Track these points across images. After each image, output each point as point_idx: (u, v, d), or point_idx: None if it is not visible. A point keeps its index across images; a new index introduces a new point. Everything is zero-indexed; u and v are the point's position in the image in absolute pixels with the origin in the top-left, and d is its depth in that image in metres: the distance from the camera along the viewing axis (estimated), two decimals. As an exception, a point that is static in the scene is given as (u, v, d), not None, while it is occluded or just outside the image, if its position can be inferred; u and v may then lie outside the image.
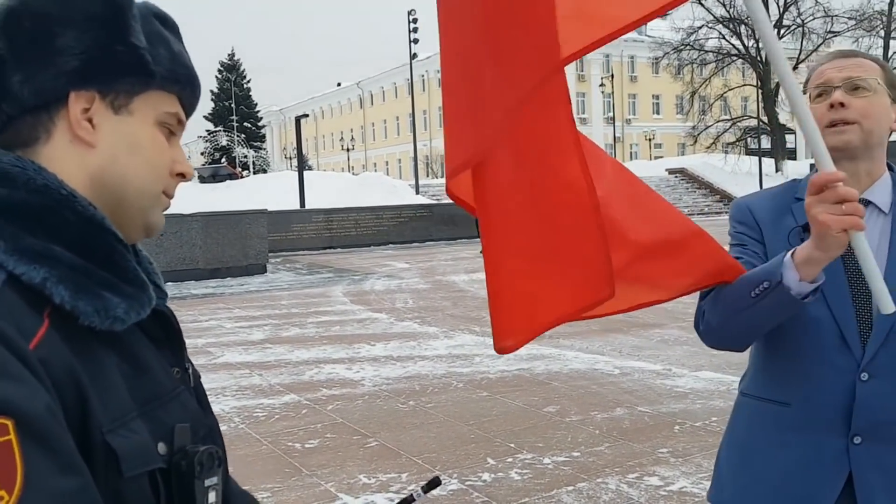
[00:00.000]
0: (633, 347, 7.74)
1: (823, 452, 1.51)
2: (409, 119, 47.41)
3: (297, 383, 6.79)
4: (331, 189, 28.89)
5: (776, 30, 42.43)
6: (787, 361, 1.57)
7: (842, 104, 1.53)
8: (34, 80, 0.83)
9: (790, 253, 1.39)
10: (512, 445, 4.87)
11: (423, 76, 70.14)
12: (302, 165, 26.17)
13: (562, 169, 1.41)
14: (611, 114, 58.81)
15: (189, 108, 0.95)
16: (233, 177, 38.26)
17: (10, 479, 0.65)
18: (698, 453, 4.59)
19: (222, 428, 0.99)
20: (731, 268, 1.56)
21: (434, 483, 1.22)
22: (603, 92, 58.39)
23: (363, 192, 28.87)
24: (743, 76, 50.40)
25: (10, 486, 0.65)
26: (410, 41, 35.97)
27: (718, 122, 44.32)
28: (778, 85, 43.33)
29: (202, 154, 60.01)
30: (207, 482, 0.85)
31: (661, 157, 59.34)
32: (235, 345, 8.69)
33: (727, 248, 1.63)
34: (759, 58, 43.01)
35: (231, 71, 70.04)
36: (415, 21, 35.70)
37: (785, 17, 42.25)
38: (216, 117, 67.79)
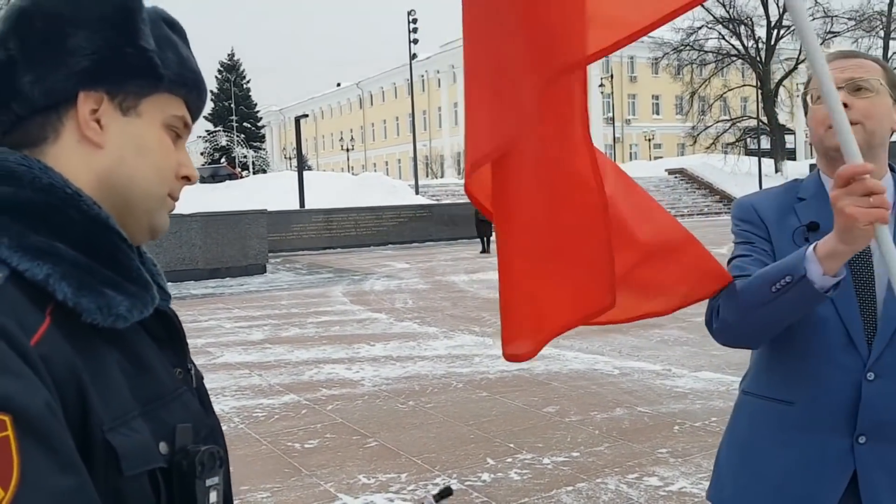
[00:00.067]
0: (632, 348, 7.74)
1: (828, 452, 1.51)
2: (409, 119, 47.41)
3: (297, 383, 6.79)
4: (330, 189, 28.90)
5: (775, 30, 42.47)
6: (792, 360, 1.56)
7: (844, 105, 1.53)
8: (45, 80, 0.83)
9: (811, 247, 1.38)
10: (511, 446, 4.87)
11: (422, 76, 70.17)
12: (302, 166, 26.17)
13: (574, 167, 1.42)
14: (610, 114, 58.84)
15: (195, 112, 0.96)
16: (232, 177, 38.29)
17: (6, 476, 0.65)
18: (698, 453, 4.59)
19: (222, 428, 0.99)
20: (722, 276, 1.57)
21: (446, 492, 1.22)
22: (602, 92, 58.36)
23: (363, 192, 28.87)
24: (742, 77, 50.43)
25: (7, 483, 0.65)
26: (410, 41, 35.98)
27: (718, 122, 44.34)
28: (777, 85, 43.44)
29: (202, 154, 60.00)
30: (209, 482, 0.84)
31: (661, 157, 59.35)
32: (235, 345, 8.69)
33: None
34: (758, 58, 43.05)
35: (231, 71, 70.03)
36: (415, 21, 35.70)
37: (784, 17, 42.23)
38: (216, 117, 67.78)
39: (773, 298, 1.41)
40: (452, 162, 64.14)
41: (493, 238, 21.56)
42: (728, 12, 42.18)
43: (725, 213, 34.79)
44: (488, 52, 1.39)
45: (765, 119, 42.67)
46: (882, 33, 41.82)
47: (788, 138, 53.46)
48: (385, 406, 5.94)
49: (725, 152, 42.78)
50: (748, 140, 44.62)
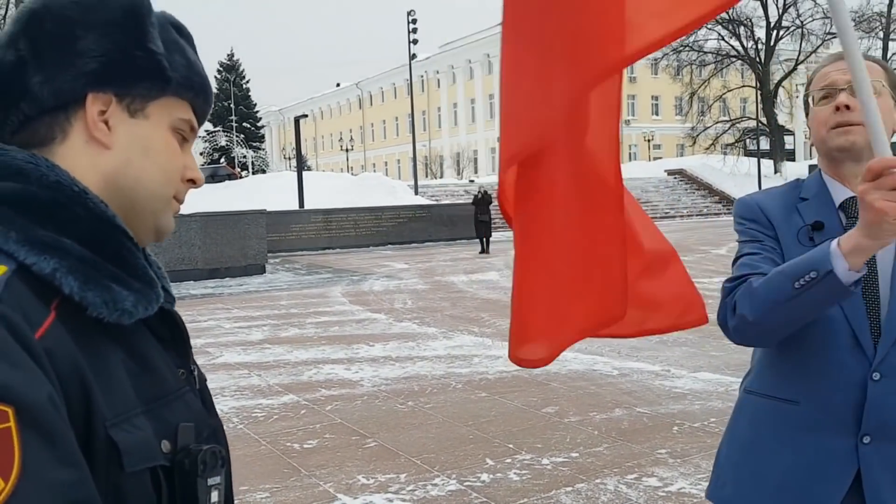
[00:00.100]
0: (631, 348, 7.74)
1: (831, 451, 1.51)
2: (409, 119, 47.41)
3: (296, 383, 6.79)
4: (330, 189, 28.89)
5: (775, 31, 42.49)
6: (797, 360, 1.56)
7: (847, 106, 1.54)
8: (54, 80, 0.84)
9: (835, 242, 1.38)
10: (510, 446, 4.87)
11: (422, 77, 70.18)
12: (301, 166, 26.16)
13: (600, 170, 1.43)
14: (610, 115, 58.76)
15: (201, 116, 0.97)
16: (232, 177, 38.28)
17: (6, 467, 0.66)
18: (697, 454, 4.59)
19: (224, 429, 0.99)
20: (698, 304, 1.60)
21: None
22: (602, 93, 58.30)
23: (362, 192, 28.87)
24: (742, 77, 50.43)
25: (7, 474, 0.65)
26: (410, 41, 35.98)
27: (717, 123, 44.36)
28: (777, 86, 43.46)
29: (201, 154, 60.00)
30: (210, 481, 0.85)
31: (660, 157, 59.36)
32: (234, 345, 8.69)
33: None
34: (757, 59, 43.06)
35: (230, 71, 69.99)
36: (414, 21, 35.70)
37: (784, 18, 42.31)
38: (215, 117, 67.68)
39: (796, 295, 1.40)
40: (452, 162, 64.13)
41: (492, 238, 21.56)
42: (727, 13, 42.16)
43: (725, 213, 34.81)
44: (527, 50, 1.40)
45: (764, 120, 42.68)
46: (882, 34, 41.83)
47: (788, 139, 53.45)
48: (384, 406, 5.94)
49: (725, 153, 42.79)
50: (747, 141, 44.63)
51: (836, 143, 1.57)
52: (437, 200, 30.48)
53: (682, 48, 43.23)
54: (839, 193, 1.61)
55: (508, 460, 4.61)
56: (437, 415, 5.64)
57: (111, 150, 0.87)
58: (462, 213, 25.27)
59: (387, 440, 5.08)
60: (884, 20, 41.76)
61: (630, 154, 67.64)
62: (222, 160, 57.41)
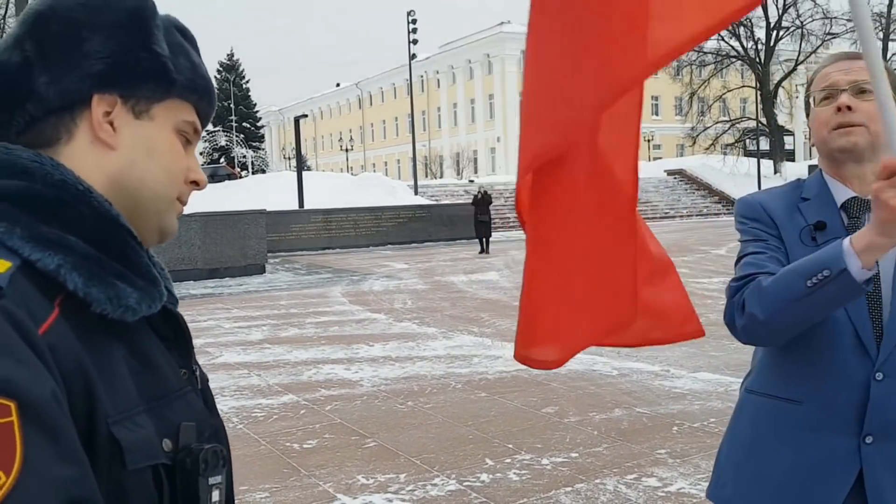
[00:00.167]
0: (631, 348, 7.73)
1: (834, 451, 1.51)
2: (409, 119, 47.40)
3: (296, 383, 6.79)
4: (329, 189, 28.88)
5: (774, 31, 42.49)
6: (800, 360, 1.56)
7: (849, 107, 1.54)
8: (60, 81, 0.85)
9: (847, 241, 1.38)
10: (510, 446, 4.87)
11: (422, 77, 70.18)
12: (301, 166, 26.16)
13: (617, 175, 1.43)
14: (610, 115, 58.75)
15: (205, 118, 0.98)
16: (231, 177, 38.28)
17: (8, 462, 0.66)
18: (696, 454, 4.59)
19: (226, 430, 0.99)
20: (693, 315, 1.62)
21: None
22: (602, 93, 58.31)
23: (362, 192, 28.86)
24: (742, 77, 50.44)
25: (8, 469, 0.66)
26: (410, 42, 35.98)
27: (717, 123, 44.37)
28: (777, 87, 43.46)
29: (201, 154, 59.99)
30: (211, 480, 0.85)
31: (660, 158, 59.35)
32: (234, 345, 8.69)
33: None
34: (757, 59, 43.06)
35: (230, 71, 70.01)
36: (414, 22, 35.70)
37: (784, 18, 42.31)
38: (215, 117, 67.37)
39: (808, 293, 1.40)
40: (451, 162, 64.12)
41: (492, 239, 21.56)
42: (727, 13, 42.10)
43: (725, 214, 34.82)
44: (553, 55, 1.39)
45: (764, 120, 42.69)
46: (881, 34, 41.84)
47: (787, 139, 53.46)
48: (384, 406, 5.94)
49: (724, 153, 42.79)
50: (747, 141, 44.64)
51: (838, 144, 1.57)
52: (436, 200, 30.48)
53: (681, 48, 43.14)
54: (840, 194, 1.61)
55: (508, 460, 4.61)
56: (437, 415, 5.64)
57: (116, 151, 0.88)
58: (462, 213, 25.28)
59: (386, 440, 5.08)
60: (884, 20, 41.76)
61: (630, 154, 67.53)
62: (222, 160, 57.42)
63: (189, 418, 0.87)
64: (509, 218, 31.33)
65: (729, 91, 43.56)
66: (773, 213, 1.63)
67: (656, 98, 68.99)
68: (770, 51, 43.06)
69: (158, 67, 0.89)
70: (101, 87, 0.86)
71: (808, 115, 1.69)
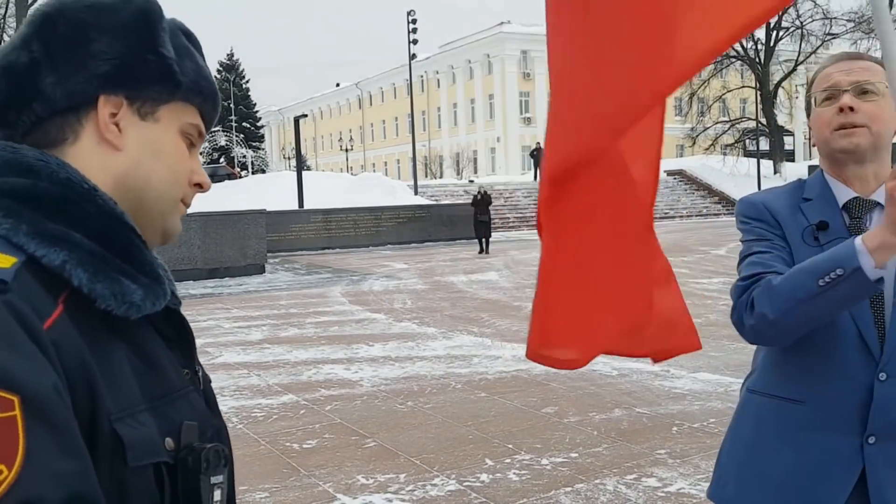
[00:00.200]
0: (631, 349, 7.74)
1: (837, 451, 1.51)
2: (408, 119, 47.39)
3: (296, 383, 6.79)
4: (329, 189, 28.87)
5: (774, 31, 42.49)
6: (804, 360, 1.56)
7: (851, 108, 1.54)
8: (67, 82, 0.85)
9: (859, 239, 1.38)
10: (510, 446, 4.87)
11: (422, 77, 70.17)
12: (301, 166, 26.15)
13: (636, 183, 1.43)
14: (610, 115, 58.77)
15: (208, 122, 0.99)
16: (231, 177, 38.27)
17: (11, 455, 0.66)
18: (696, 454, 4.59)
19: (228, 430, 0.99)
20: (693, 327, 1.61)
21: None
22: (602, 93, 58.31)
23: (362, 192, 28.85)
24: (742, 78, 50.41)
25: (11, 462, 0.66)
26: (410, 42, 35.97)
27: (717, 123, 44.33)
28: (776, 87, 43.44)
29: (201, 154, 59.80)
30: (213, 479, 0.85)
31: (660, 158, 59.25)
32: (234, 345, 8.69)
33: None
34: (757, 60, 43.05)
35: (230, 71, 69.98)
36: (414, 22, 35.68)
37: (784, 18, 42.27)
38: (215, 117, 67.56)
39: (820, 292, 1.40)
40: (451, 162, 64.11)
41: (492, 239, 21.55)
42: (727, 14, 42.09)
43: (725, 214, 34.81)
44: (578, 59, 1.38)
45: (763, 120, 42.68)
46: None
47: (787, 140, 53.46)
48: (384, 406, 5.94)
49: (724, 153, 42.77)
50: (747, 141, 44.62)
51: (840, 145, 1.57)
52: (436, 200, 30.46)
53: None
54: (842, 194, 1.61)
55: (508, 460, 4.61)
56: (437, 415, 5.64)
57: (122, 152, 0.88)
58: (462, 214, 25.26)
59: (386, 440, 5.08)
60: (883, 21, 41.71)
61: (630, 154, 67.57)
62: (222, 160, 57.37)
63: (191, 418, 0.87)
64: (509, 218, 31.34)
65: (729, 91, 43.52)
66: (777, 212, 1.63)
67: (656, 98, 68.83)
68: (770, 51, 43.05)
69: (165, 69, 0.90)
70: (108, 88, 0.87)
71: (808, 116, 1.69)
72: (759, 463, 1.61)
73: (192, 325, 0.97)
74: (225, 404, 6.05)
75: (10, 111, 0.86)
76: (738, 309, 1.55)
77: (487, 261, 18.55)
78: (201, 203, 18.01)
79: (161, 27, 0.91)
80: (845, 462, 1.51)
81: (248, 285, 15.02)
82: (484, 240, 20.91)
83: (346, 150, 65.71)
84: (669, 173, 42.01)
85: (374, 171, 63.04)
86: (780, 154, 43.73)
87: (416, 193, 31.34)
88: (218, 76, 70.01)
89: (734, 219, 1.76)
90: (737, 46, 43.37)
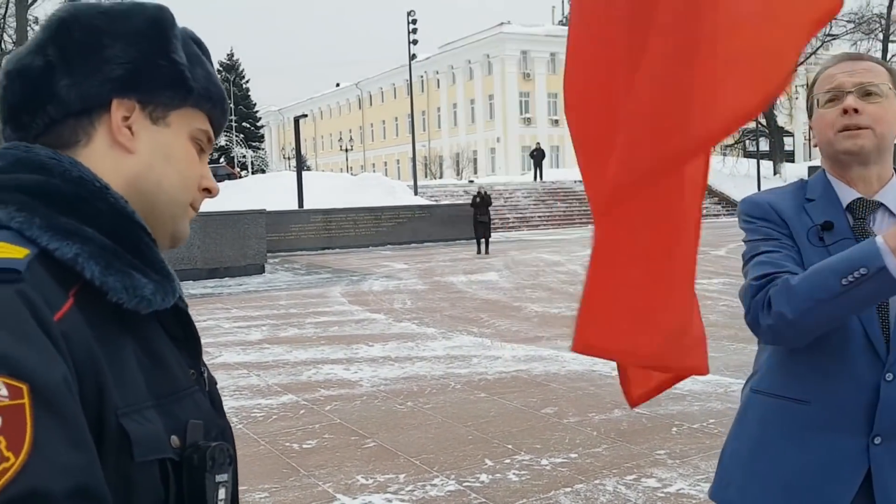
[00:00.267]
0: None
1: (842, 452, 1.51)
2: (408, 120, 47.39)
3: (295, 383, 6.79)
4: (329, 189, 28.86)
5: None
6: (809, 360, 1.56)
7: (855, 110, 1.54)
8: (81, 85, 0.87)
9: (880, 238, 1.37)
10: (510, 447, 4.87)
11: (422, 77, 70.19)
12: (300, 166, 26.16)
13: (688, 173, 1.41)
14: (609, 115, 58.76)
15: (217, 128, 1.00)
16: (231, 177, 38.24)
17: (18, 443, 0.67)
18: (696, 455, 4.59)
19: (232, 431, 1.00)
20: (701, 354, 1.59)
21: None
22: (602, 93, 58.29)
23: (361, 192, 28.85)
24: (742, 78, 50.39)
25: (18, 450, 0.66)
26: (410, 42, 35.97)
27: (717, 124, 44.28)
28: (776, 87, 43.38)
29: (201, 154, 59.79)
30: (218, 478, 0.86)
31: (660, 158, 59.27)
32: (233, 345, 8.69)
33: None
34: (757, 60, 42.99)
35: (230, 71, 70.02)
36: (414, 22, 35.68)
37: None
38: (215, 117, 67.53)
39: (843, 291, 1.39)
40: (451, 163, 64.11)
41: (491, 239, 21.55)
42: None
43: (724, 215, 34.78)
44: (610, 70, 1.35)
45: (763, 121, 42.68)
46: (881, 36, 41.84)
47: (787, 140, 53.46)
48: (383, 406, 5.94)
49: (724, 154, 42.77)
50: (747, 142, 44.64)
51: (844, 147, 1.57)
52: (436, 201, 30.46)
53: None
54: (846, 195, 1.61)
55: (507, 461, 4.61)
56: (437, 415, 5.64)
57: (134, 155, 0.90)
58: (461, 214, 25.25)
59: (386, 440, 5.08)
60: (883, 21, 41.76)
61: (630, 155, 67.52)
62: (222, 160, 57.40)
63: (196, 417, 0.88)
64: (509, 218, 31.33)
65: (729, 92, 43.47)
66: (783, 212, 1.62)
67: (656, 99, 68.81)
68: (770, 52, 43.01)
69: (177, 75, 0.92)
70: (121, 91, 0.88)
71: (810, 117, 1.68)
72: (763, 463, 1.61)
73: (192, 325, 0.97)
74: (224, 404, 6.04)
75: (24, 114, 0.88)
76: (753, 309, 1.53)
77: (487, 261, 18.56)
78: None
79: (173, 34, 0.93)
80: (851, 462, 1.50)
81: (247, 285, 15.02)
82: (484, 240, 20.91)
83: (346, 151, 65.73)
84: (669, 174, 41.97)
85: (374, 171, 63.04)
86: (779, 155, 43.76)
87: (415, 194, 31.34)
88: (218, 76, 70.00)
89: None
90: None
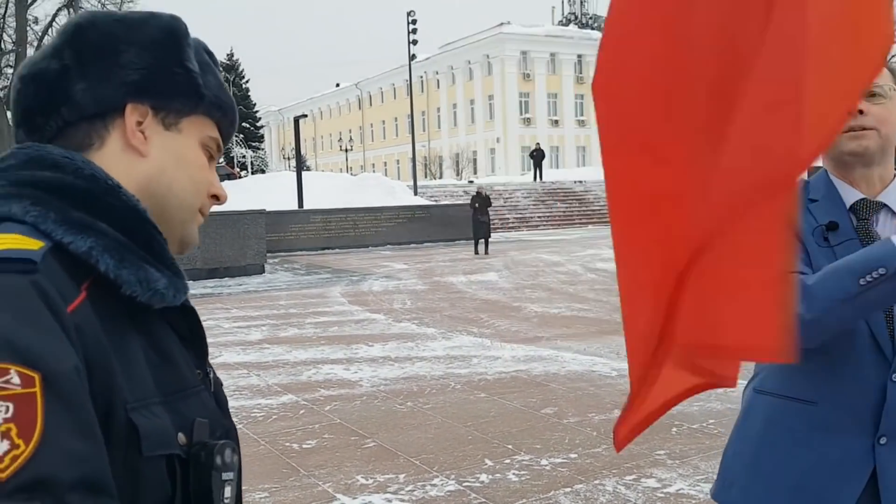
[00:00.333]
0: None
1: (848, 452, 1.51)
2: (408, 120, 47.40)
3: (295, 383, 6.79)
4: (329, 190, 28.87)
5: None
6: (815, 361, 1.55)
7: (860, 111, 1.54)
8: (96, 88, 0.89)
9: (895, 238, 1.38)
10: (509, 447, 4.87)
11: (422, 77, 70.19)
12: (300, 166, 26.16)
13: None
14: (609, 116, 58.74)
15: (226, 137, 1.02)
16: (231, 177, 38.28)
17: (29, 430, 0.68)
18: (695, 455, 4.60)
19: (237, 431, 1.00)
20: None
21: None
22: (602, 94, 58.29)
23: (361, 192, 28.85)
24: (741, 79, 50.46)
25: (28, 438, 0.67)
26: (409, 42, 35.97)
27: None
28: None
29: (200, 154, 59.78)
30: (224, 476, 0.86)
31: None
32: (233, 345, 8.69)
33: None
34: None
35: (230, 71, 69.96)
36: (414, 22, 35.68)
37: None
38: (215, 117, 67.52)
39: (861, 292, 1.39)
40: (451, 163, 64.10)
41: (491, 239, 21.54)
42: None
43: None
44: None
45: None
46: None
47: (787, 141, 53.39)
48: (383, 407, 5.94)
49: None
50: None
51: (849, 148, 1.57)
52: (436, 201, 30.46)
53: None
54: (849, 195, 1.61)
55: (507, 461, 4.61)
56: (436, 415, 5.64)
57: (146, 159, 0.91)
58: (461, 214, 25.25)
59: (386, 440, 5.08)
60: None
61: (629, 155, 67.47)
62: (221, 160, 57.39)
63: (202, 416, 0.89)
64: (509, 219, 31.33)
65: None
66: None
67: (656, 99, 68.78)
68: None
69: (190, 83, 0.94)
70: (136, 96, 0.90)
71: None
72: (767, 463, 1.61)
73: (192, 325, 0.98)
74: (224, 404, 6.05)
75: (39, 116, 0.90)
76: None
77: (487, 261, 18.56)
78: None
79: (187, 43, 0.95)
80: (856, 462, 1.51)
81: (247, 285, 15.03)
82: (484, 241, 20.90)
83: (346, 151, 65.71)
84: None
85: (374, 171, 63.03)
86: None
87: (415, 194, 31.34)
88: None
89: None
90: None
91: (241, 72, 71.52)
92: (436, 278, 15.24)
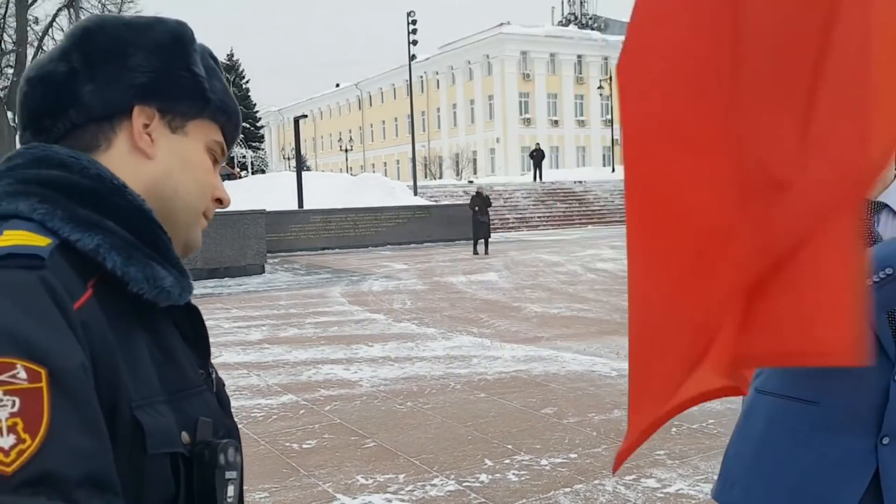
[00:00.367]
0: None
1: (850, 452, 1.51)
2: (408, 120, 47.40)
3: (295, 383, 6.79)
4: (329, 190, 28.87)
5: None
6: None
7: None
8: (104, 90, 0.90)
9: None
10: (509, 447, 4.87)
11: (421, 77, 70.19)
12: (300, 166, 26.15)
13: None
14: (609, 116, 58.86)
15: (230, 141, 1.04)
16: (231, 177, 38.25)
17: (35, 425, 0.68)
18: (695, 455, 4.60)
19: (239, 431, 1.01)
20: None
21: None
22: (601, 94, 58.44)
23: (361, 192, 28.85)
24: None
25: (34, 433, 0.68)
26: (409, 42, 35.97)
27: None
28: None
29: (200, 154, 59.77)
30: (228, 475, 0.87)
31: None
32: (233, 345, 8.69)
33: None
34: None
35: (230, 71, 69.91)
36: (414, 22, 35.68)
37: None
38: (215, 117, 67.56)
39: (868, 291, 1.37)
40: (451, 163, 64.10)
41: (491, 239, 21.54)
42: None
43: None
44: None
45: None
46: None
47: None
48: (383, 407, 5.94)
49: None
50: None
51: None
52: (436, 201, 30.45)
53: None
54: None
55: (507, 461, 4.61)
56: (436, 415, 5.65)
57: (153, 161, 0.92)
58: (461, 214, 25.25)
59: (386, 440, 5.09)
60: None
61: (629, 155, 67.47)
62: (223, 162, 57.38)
63: (206, 415, 0.89)
64: (508, 219, 31.33)
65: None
66: None
67: (656, 99, 68.77)
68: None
69: (196, 87, 0.95)
70: (143, 99, 0.91)
71: None
72: (769, 463, 1.61)
73: (192, 325, 0.98)
74: (224, 404, 6.06)
75: (46, 118, 0.91)
76: None
77: (487, 261, 18.56)
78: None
79: (193, 48, 0.96)
80: (859, 463, 1.50)
81: (247, 285, 15.03)
82: (484, 241, 20.90)
83: (346, 151, 65.71)
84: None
85: (374, 171, 63.02)
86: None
87: (415, 194, 31.34)
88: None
89: None
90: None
91: (241, 72, 71.49)
92: (436, 278, 15.25)
